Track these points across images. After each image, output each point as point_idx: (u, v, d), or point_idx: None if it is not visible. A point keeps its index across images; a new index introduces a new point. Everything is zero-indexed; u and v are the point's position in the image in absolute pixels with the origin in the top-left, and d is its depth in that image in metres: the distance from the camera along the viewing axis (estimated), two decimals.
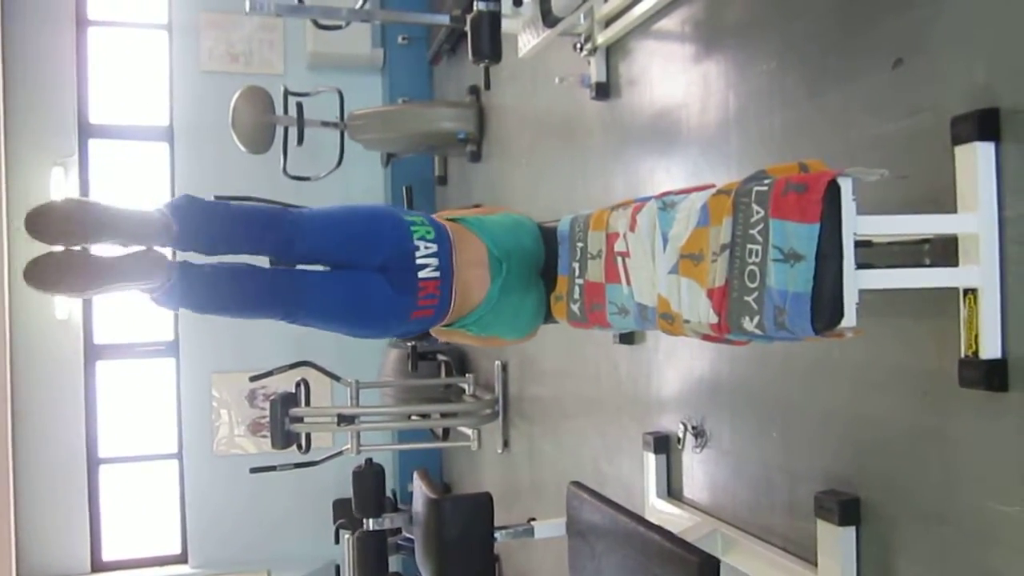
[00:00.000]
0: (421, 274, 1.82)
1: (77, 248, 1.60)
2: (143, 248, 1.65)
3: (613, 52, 3.18)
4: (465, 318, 1.95)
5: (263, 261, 1.83)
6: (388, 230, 1.84)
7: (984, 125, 1.48)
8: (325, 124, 5.06)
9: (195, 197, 1.76)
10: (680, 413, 2.71)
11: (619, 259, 1.79)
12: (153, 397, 6.26)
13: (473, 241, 1.92)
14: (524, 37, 3.19)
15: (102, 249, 1.64)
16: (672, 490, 2.75)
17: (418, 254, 1.82)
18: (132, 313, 6.18)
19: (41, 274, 1.57)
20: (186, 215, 1.70)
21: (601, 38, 3.13)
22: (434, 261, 1.83)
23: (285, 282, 1.77)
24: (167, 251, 1.72)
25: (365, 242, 1.81)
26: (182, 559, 6.13)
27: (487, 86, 3.66)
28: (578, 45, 3.22)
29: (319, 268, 1.84)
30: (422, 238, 1.84)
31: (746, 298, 1.45)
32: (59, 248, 1.59)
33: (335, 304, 1.80)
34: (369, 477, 3.33)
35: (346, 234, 1.82)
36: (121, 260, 1.63)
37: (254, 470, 4.31)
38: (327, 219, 1.84)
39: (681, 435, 2.66)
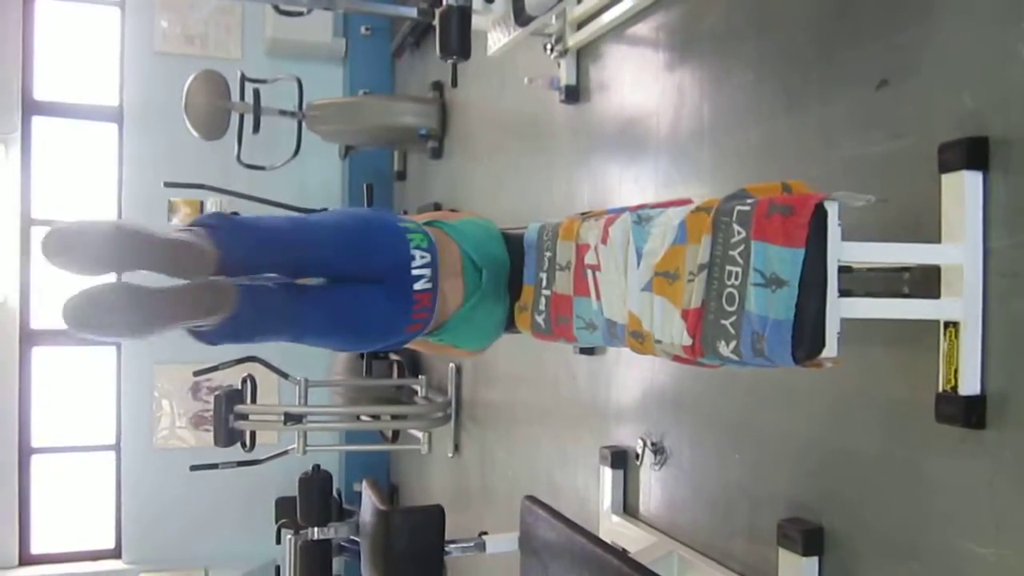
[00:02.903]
0: (416, 286, 1.70)
1: (128, 281, 1.36)
2: (207, 278, 1.44)
3: (584, 55, 3.11)
4: (435, 329, 1.84)
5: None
6: (384, 238, 1.71)
7: (973, 153, 1.44)
8: (283, 113, 4.91)
9: (224, 216, 1.57)
10: (639, 428, 2.65)
11: (589, 272, 1.71)
12: (92, 386, 6.02)
13: (452, 249, 1.81)
14: (494, 35, 3.11)
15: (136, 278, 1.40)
16: (628, 507, 2.69)
17: (414, 264, 1.70)
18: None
19: (93, 313, 1.31)
20: (228, 239, 1.49)
21: (573, 40, 3.06)
22: (427, 272, 1.71)
23: (295, 300, 1.62)
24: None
25: (361, 250, 1.67)
26: (115, 554, 5.92)
27: (454, 83, 3.58)
28: (549, 46, 3.14)
29: (316, 282, 1.70)
30: (418, 247, 1.71)
31: (723, 322, 1.39)
32: (105, 279, 1.34)
33: (335, 321, 1.67)
34: (316, 484, 3.22)
35: (343, 241, 1.68)
36: (185, 294, 1.41)
37: (195, 467, 4.15)
38: (325, 227, 1.70)
39: (640, 451, 2.60)
